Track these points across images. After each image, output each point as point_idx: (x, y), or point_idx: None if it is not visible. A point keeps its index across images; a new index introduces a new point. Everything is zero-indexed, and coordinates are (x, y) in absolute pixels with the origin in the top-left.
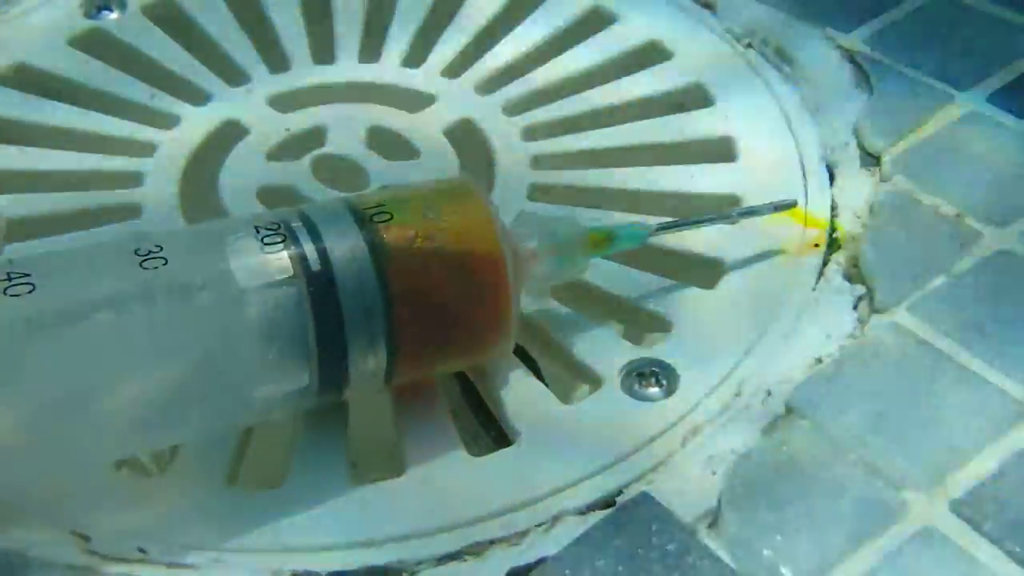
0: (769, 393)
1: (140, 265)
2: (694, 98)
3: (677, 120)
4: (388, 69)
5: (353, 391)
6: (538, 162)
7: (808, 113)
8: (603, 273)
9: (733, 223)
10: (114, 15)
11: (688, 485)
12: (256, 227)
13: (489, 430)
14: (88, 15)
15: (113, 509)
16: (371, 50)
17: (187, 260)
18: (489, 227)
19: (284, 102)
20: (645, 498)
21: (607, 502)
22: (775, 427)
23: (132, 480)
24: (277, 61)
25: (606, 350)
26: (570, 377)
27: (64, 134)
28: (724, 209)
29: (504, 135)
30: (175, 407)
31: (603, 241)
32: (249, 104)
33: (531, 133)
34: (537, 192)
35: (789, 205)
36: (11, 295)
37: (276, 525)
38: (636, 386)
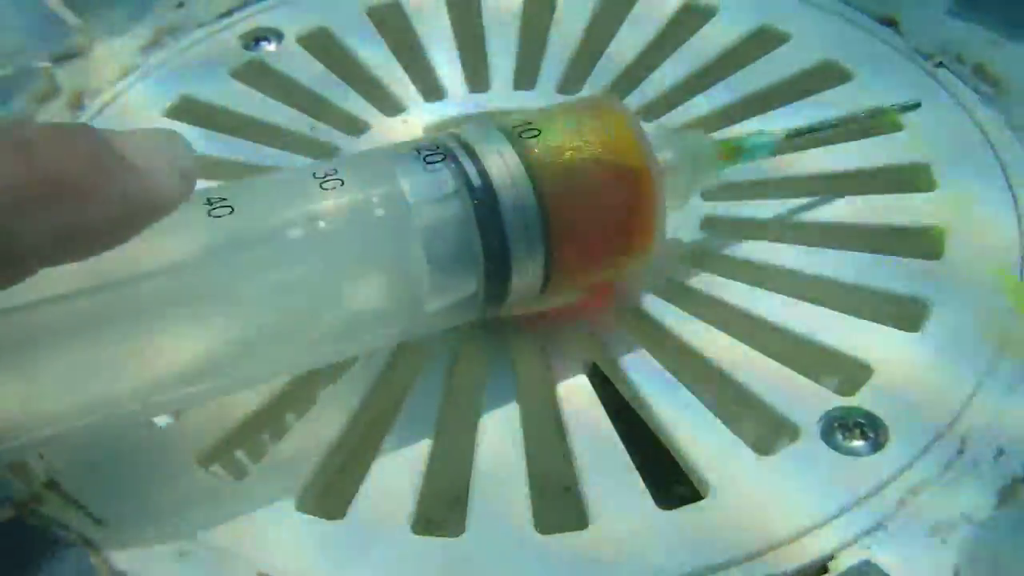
0: (1001, 452)
1: (321, 186)
2: (880, 122)
3: (863, 147)
4: (543, 97)
5: (512, 301)
6: (709, 192)
7: (1015, 136)
8: (795, 313)
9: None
10: (271, 46)
11: (915, 554)
12: (417, 149)
13: (678, 482)
14: (247, 47)
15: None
16: (525, 78)
17: (361, 181)
18: (633, 139)
19: (440, 131)
20: (868, 567)
21: (819, 568)
22: (1015, 491)
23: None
24: (432, 90)
25: (802, 398)
26: (764, 427)
27: (227, 165)
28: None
29: None
30: (359, 318)
31: (733, 151)
32: (406, 133)
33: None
34: (711, 224)
35: (914, 105)
36: (215, 216)
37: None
38: (839, 438)
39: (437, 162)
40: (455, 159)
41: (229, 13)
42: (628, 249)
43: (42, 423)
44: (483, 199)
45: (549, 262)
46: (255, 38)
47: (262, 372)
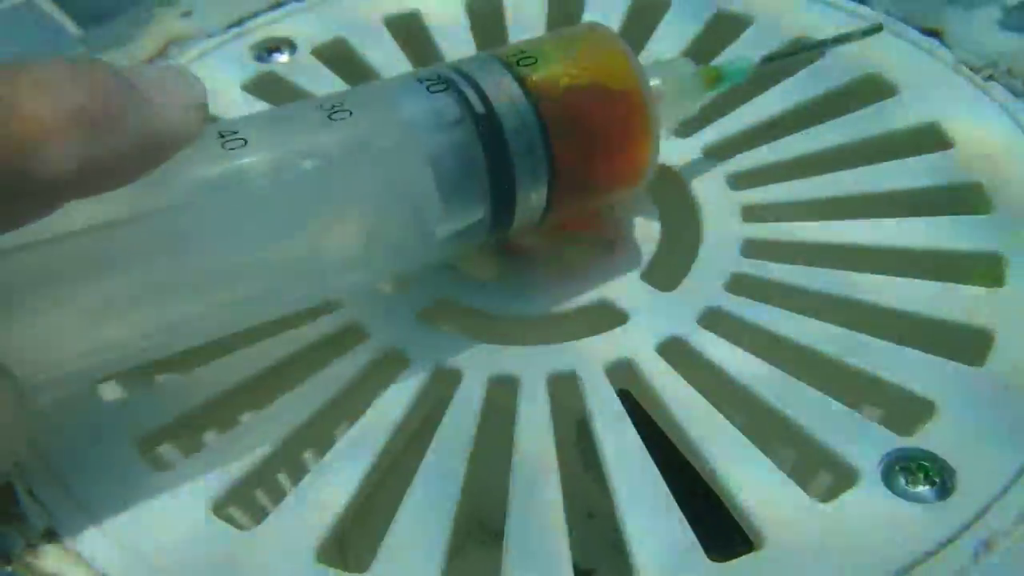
0: None
1: (329, 117)
2: (928, 139)
3: (912, 165)
4: None
5: (516, 227)
6: (750, 213)
7: None
8: (846, 343)
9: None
10: (284, 57)
11: None
12: (419, 80)
13: (730, 532)
14: (259, 58)
15: None
16: None
17: (368, 111)
18: (627, 65)
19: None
20: None
21: None
22: None
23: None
24: None
25: (859, 436)
26: (818, 467)
27: None
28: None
29: (708, 183)
30: (371, 246)
31: (714, 79)
32: None
33: (739, 180)
34: (751, 248)
35: (876, 28)
36: (229, 149)
37: None
38: (903, 483)
39: (440, 91)
40: (457, 88)
41: (239, 22)
42: (626, 171)
43: (63, 359)
44: (487, 125)
45: (552, 185)
46: (267, 49)
47: (281, 303)
